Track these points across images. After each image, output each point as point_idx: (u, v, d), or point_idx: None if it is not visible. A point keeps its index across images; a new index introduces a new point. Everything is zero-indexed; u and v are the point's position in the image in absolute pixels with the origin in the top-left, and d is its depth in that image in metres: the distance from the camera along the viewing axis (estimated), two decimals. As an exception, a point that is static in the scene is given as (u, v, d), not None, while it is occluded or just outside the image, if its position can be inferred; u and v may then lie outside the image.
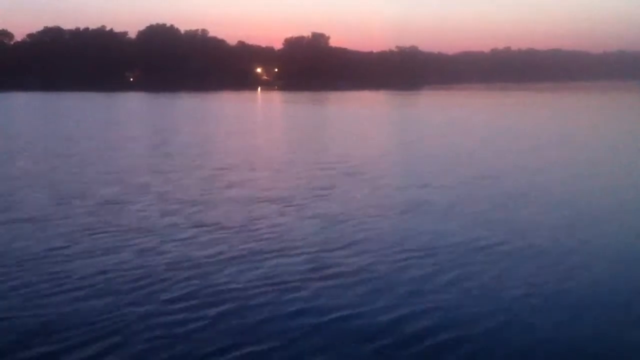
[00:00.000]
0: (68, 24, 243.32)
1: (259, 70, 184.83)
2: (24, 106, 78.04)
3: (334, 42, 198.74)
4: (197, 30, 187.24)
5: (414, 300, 9.73)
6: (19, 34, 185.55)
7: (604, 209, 16.52)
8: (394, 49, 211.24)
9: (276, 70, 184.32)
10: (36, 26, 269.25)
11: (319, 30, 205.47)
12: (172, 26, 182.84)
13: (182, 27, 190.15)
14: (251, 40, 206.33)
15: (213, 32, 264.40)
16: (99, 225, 14.19)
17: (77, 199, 17.36)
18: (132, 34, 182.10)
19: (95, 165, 24.54)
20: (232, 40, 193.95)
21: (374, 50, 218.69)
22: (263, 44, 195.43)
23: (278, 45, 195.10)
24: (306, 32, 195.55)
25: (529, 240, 13.10)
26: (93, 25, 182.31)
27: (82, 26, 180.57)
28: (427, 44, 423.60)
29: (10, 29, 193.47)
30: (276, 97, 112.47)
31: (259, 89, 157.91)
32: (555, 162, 25.99)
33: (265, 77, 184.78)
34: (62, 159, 26.78)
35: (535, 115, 60.62)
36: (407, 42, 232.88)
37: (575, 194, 18.77)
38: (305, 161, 25.99)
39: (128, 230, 13.77)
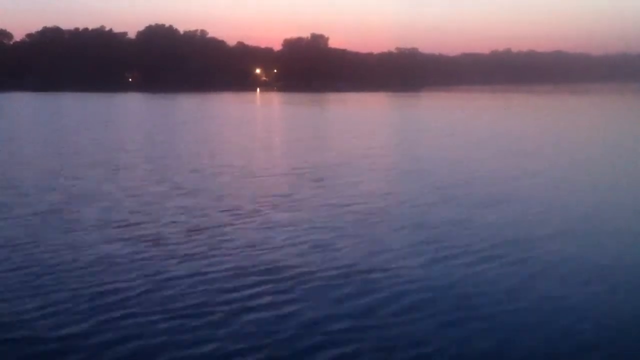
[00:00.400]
0: (67, 24, 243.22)
1: (258, 71, 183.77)
2: (23, 107, 76.78)
3: (333, 43, 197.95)
4: (196, 30, 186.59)
5: (356, 335, 8.31)
6: (18, 34, 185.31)
7: (597, 214, 15.09)
8: (393, 50, 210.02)
9: (275, 71, 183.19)
10: (35, 26, 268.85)
11: (318, 31, 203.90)
12: (171, 27, 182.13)
13: (181, 27, 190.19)
14: (250, 41, 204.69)
15: (212, 32, 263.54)
16: (22, 238, 12.79)
17: (17, 208, 15.99)
18: (132, 34, 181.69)
19: (66, 169, 23.25)
20: (231, 41, 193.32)
21: (374, 52, 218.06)
22: (262, 45, 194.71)
23: (277, 46, 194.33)
24: (305, 33, 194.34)
25: (504, 257, 11.68)
26: (92, 25, 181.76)
27: (81, 26, 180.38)
28: (427, 45, 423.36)
29: (9, 29, 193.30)
30: (275, 99, 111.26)
31: (258, 90, 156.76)
32: (552, 165, 24.78)
33: (265, 78, 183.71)
34: (40, 160, 25.89)
35: (534, 117, 59.15)
36: (407, 43, 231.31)
37: (567, 199, 17.34)
38: (284, 166, 24.67)
39: (55, 245, 12.34)
